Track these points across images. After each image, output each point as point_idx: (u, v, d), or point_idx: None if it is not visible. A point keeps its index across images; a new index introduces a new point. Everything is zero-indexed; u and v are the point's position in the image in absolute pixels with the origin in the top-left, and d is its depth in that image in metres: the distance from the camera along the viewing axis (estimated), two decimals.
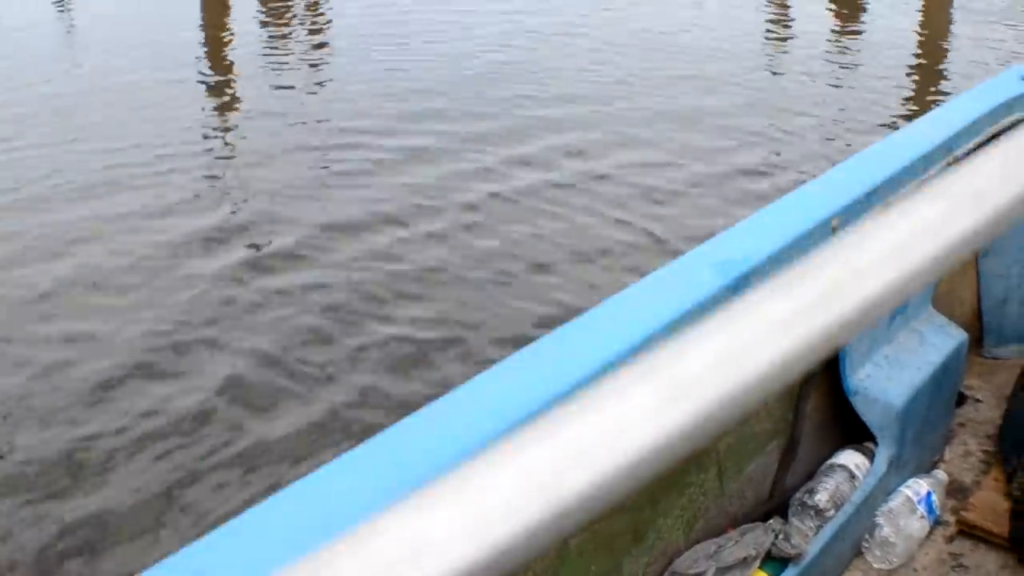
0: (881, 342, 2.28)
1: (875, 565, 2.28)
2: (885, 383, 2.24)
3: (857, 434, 2.28)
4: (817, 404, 2.27)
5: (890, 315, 2.29)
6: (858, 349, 2.20)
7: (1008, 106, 2.65)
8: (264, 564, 1.12)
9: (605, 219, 5.71)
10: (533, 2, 10.36)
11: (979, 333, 2.88)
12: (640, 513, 1.92)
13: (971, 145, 2.45)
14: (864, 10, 10.70)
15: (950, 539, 2.40)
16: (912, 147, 2.35)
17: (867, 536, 2.28)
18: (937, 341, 2.41)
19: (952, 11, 10.63)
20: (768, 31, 9.81)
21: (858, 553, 2.29)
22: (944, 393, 2.47)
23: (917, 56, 9.24)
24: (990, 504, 2.45)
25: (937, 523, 2.41)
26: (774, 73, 8.55)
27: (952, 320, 2.54)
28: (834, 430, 2.30)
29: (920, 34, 9.98)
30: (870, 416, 2.23)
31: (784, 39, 9.63)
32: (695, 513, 2.04)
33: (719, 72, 8.30)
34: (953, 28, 10.22)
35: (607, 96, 7.67)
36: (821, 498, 2.17)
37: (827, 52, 9.13)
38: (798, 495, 2.19)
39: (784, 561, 2.04)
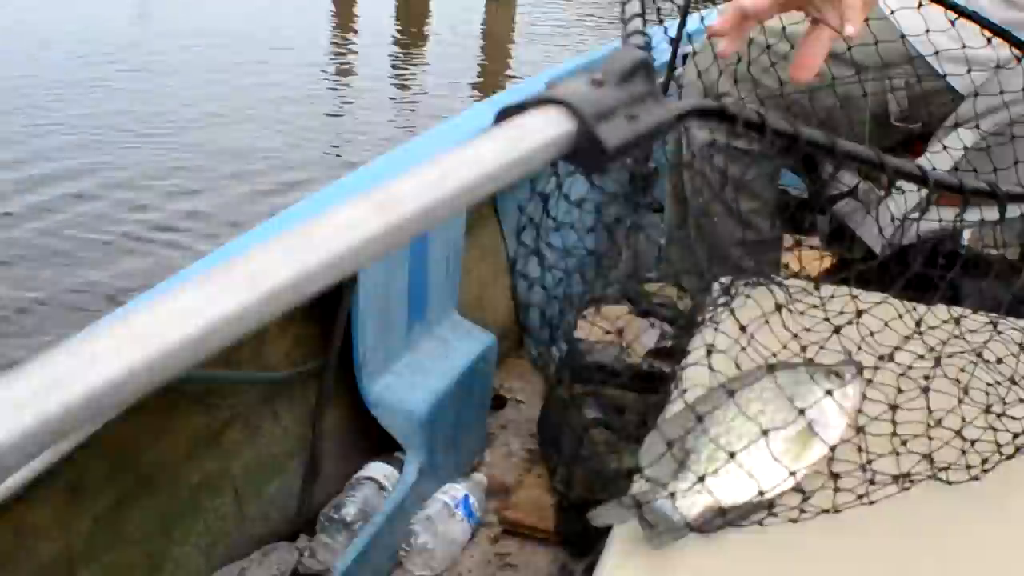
0: (400, 351, 2.30)
1: (417, 573, 2.28)
2: (407, 392, 2.25)
3: (386, 445, 2.29)
4: (338, 419, 2.26)
5: (407, 324, 2.32)
6: (373, 360, 2.20)
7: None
8: None
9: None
10: None
11: (519, 337, 2.97)
12: (152, 543, 1.85)
13: None
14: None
15: (495, 539, 2.43)
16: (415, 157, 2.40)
17: (404, 545, 2.26)
18: (463, 346, 2.46)
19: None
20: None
21: (398, 563, 2.28)
22: (476, 397, 2.53)
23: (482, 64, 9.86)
24: (533, 501, 2.49)
25: (480, 525, 2.43)
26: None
27: (485, 325, 2.59)
28: (360, 444, 2.30)
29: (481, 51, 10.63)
30: (394, 426, 2.23)
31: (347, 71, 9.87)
32: (214, 539, 1.97)
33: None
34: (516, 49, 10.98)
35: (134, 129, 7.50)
36: (349, 511, 2.16)
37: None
38: (325, 510, 2.17)
39: None
